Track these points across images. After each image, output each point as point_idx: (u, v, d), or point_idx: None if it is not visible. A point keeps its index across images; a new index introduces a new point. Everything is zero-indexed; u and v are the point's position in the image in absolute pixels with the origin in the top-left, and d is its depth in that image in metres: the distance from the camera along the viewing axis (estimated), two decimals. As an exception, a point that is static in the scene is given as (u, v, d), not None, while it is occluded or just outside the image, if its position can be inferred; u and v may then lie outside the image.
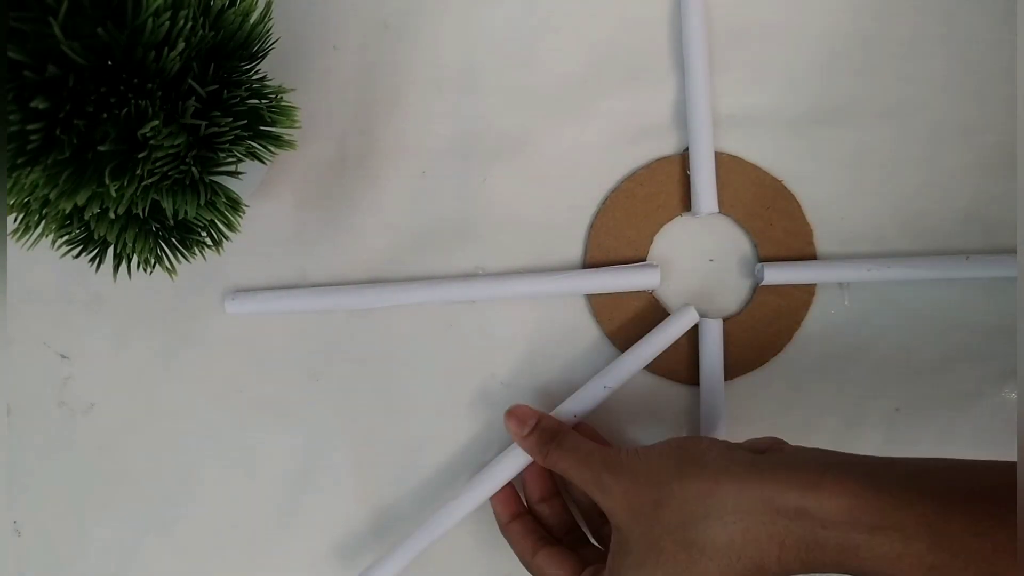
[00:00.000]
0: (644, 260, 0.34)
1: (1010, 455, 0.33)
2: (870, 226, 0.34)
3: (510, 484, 0.32)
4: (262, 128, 0.26)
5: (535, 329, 0.34)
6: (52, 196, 0.22)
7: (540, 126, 0.34)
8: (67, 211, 0.24)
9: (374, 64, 0.34)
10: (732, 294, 0.34)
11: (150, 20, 0.22)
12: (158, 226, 0.27)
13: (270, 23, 0.26)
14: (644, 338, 0.33)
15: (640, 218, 0.34)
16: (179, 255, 0.27)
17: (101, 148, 0.22)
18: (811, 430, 0.34)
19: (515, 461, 0.31)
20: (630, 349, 0.33)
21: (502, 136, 0.34)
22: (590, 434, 0.32)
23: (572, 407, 0.33)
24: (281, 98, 0.26)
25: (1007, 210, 0.33)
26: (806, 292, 0.33)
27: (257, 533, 0.34)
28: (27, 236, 0.25)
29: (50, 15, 0.20)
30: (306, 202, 0.34)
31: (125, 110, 0.22)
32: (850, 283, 0.33)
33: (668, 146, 0.34)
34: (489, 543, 0.34)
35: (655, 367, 0.33)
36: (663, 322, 0.33)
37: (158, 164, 0.23)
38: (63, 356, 0.34)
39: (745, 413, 0.34)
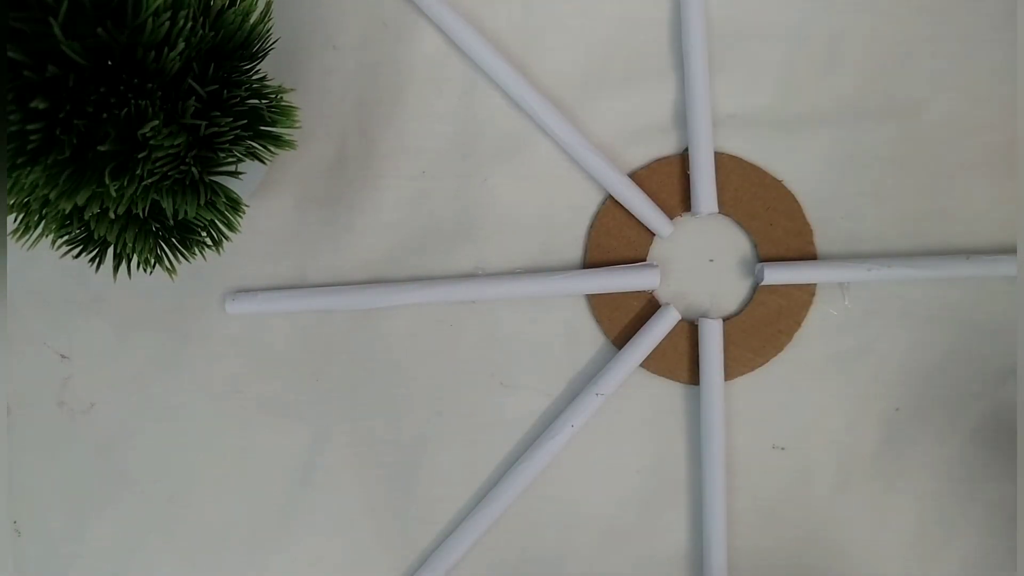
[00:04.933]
0: (644, 260, 0.34)
1: (1010, 455, 0.33)
2: (870, 226, 0.34)
3: None
4: (262, 128, 0.26)
5: (535, 329, 0.34)
6: (52, 196, 0.22)
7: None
8: (67, 211, 0.24)
9: (374, 64, 0.34)
10: (732, 294, 0.34)
11: (150, 20, 0.22)
12: (158, 226, 0.27)
13: (270, 23, 0.26)
14: (630, 342, 0.33)
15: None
16: (179, 255, 0.27)
17: (101, 148, 0.22)
18: (811, 430, 0.34)
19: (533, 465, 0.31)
20: (618, 354, 0.33)
21: (502, 136, 0.34)
22: None
23: (569, 416, 0.33)
24: (281, 98, 0.26)
25: (1007, 210, 0.33)
26: (806, 292, 0.33)
27: (257, 533, 0.34)
28: (27, 236, 0.25)
29: (50, 15, 0.20)
30: (306, 202, 0.34)
31: (125, 110, 0.22)
32: (850, 283, 0.33)
33: (668, 146, 0.34)
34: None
35: (655, 367, 0.33)
36: (645, 325, 0.33)
37: (158, 164, 0.23)
38: (63, 356, 0.34)
39: (745, 413, 0.34)
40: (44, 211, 0.24)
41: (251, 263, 0.34)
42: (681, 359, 0.34)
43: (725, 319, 0.33)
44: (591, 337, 0.34)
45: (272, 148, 0.26)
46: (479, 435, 0.34)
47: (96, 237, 0.26)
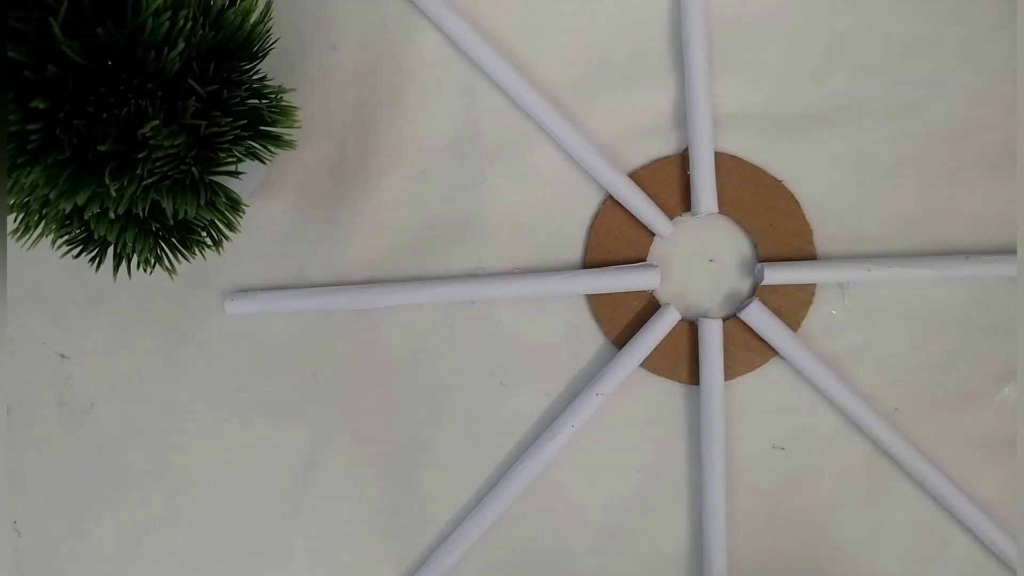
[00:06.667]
0: (644, 260, 0.34)
1: (1010, 455, 0.33)
2: (870, 226, 0.34)
3: None
4: (262, 128, 0.26)
5: (535, 329, 0.34)
6: (52, 196, 0.22)
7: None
8: (67, 211, 0.24)
9: (374, 64, 0.34)
10: (732, 294, 0.34)
11: (150, 20, 0.22)
12: (158, 226, 0.27)
13: (270, 23, 0.26)
14: (631, 341, 0.33)
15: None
16: (179, 255, 0.27)
17: (101, 148, 0.22)
18: (811, 430, 0.34)
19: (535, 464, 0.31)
20: (618, 354, 0.33)
21: (502, 136, 0.34)
22: None
23: (569, 416, 0.33)
24: (281, 98, 0.26)
25: (1007, 210, 0.33)
26: (806, 292, 0.33)
27: (257, 533, 0.34)
28: (27, 236, 0.25)
29: (50, 15, 0.20)
30: (306, 202, 0.34)
31: (125, 110, 0.22)
32: (850, 283, 0.33)
33: (668, 146, 0.34)
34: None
35: (655, 367, 0.33)
36: (645, 325, 0.33)
37: (158, 164, 0.23)
38: (63, 356, 0.34)
39: (745, 413, 0.34)
40: (44, 211, 0.24)
41: (251, 263, 0.34)
42: (681, 359, 0.34)
43: (725, 319, 0.33)
44: (591, 337, 0.34)
45: (272, 148, 0.26)
46: (479, 435, 0.34)
47: (96, 237, 0.26)
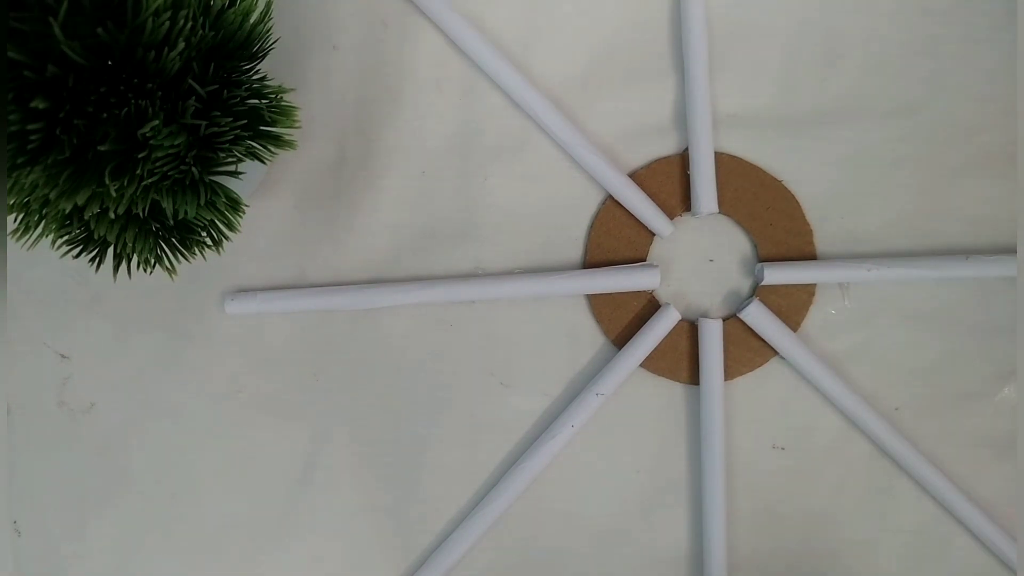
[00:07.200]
0: (644, 260, 0.34)
1: (1010, 455, 0.33)
2: (870, 226, 0.34)
3: None
4: (262, 128, 0.26)
5: (535, 329, 0.34)
6: (52, 196, 0.22)
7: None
8: (67, 211, 0.24)
9: (374, 64, 0.34)
10: (732, 294, 0.34)
11: (150, 20, 0.22)
12: (158, 226, 0.27)
13: (270, 23, 0.26)
14: (631, 341, 0.33)
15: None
16: (179, 255, 0.27)
17: (101, 148, 0.22)
18: (811, 430, 0.34)
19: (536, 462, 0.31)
20: (618, 354, 0.33)
21: (502, 136, 0.34)
22: None
23: (569, 416, 0.33)
24: (281, 98, 0.26)
25: (1007, 210, 0.33)
26: (806, 292, 0.33)
27: (257, 533, 0.34)
28: (27, 236, 0.25)
29: (50, 15, 0.20)
30: (306, 202, 0.34)
31: (125, 110, 0.22)
32: (850, 283, 0.33)
33: (668, 146, 0.34)
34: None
35: (655, 367, 0.33)
36: (645, 325, 0.33)
37: (158, 164, 0.23)
38: (63, 356, 0.34)
39: (745, 413, 0.34)
40: (44, 211, 0.24)
41: (251, 263, 0.34)
42: (681, 359, 0.34)
43: (725, 319, 0.33)
44: (591, 337, 0.34)
45: (272, 148, 0.26)
46: (479, 435, 0.34)
47: (96, 237, 0.26)
